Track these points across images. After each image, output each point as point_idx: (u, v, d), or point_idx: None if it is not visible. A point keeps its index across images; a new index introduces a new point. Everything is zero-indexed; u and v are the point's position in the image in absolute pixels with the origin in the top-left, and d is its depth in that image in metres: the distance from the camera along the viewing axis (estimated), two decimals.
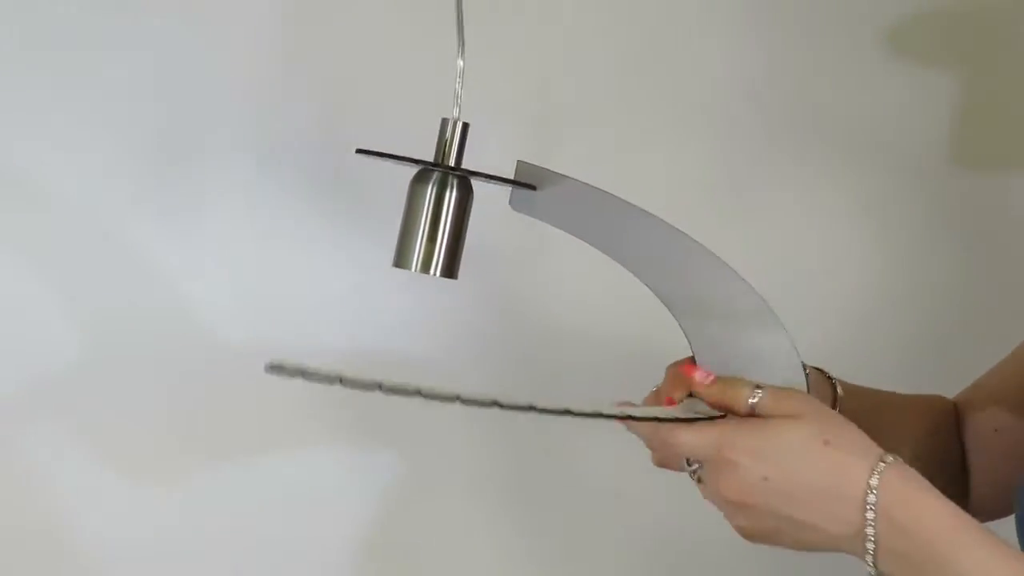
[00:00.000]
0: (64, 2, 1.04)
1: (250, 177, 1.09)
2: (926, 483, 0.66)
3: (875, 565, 0.66)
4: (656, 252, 0.77)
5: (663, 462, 0.75)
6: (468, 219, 0.79)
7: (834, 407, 0.80)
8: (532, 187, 0.78)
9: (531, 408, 0.69)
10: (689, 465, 0.72)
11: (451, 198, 0.77)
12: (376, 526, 1.17)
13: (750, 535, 0.71)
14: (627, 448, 1.11)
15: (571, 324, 1.18)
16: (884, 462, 0.66)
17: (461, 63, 0.77)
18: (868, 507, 0.65)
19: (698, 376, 0.73)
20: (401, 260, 0.78)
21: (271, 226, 1.10)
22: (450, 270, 0.78)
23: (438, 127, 0.77)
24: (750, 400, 0.70)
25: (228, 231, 1.10)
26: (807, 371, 0.76)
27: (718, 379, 0.73)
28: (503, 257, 1.12)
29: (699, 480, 0.72)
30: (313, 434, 1.15)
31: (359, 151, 0.77)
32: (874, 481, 0.65)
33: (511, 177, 0.78)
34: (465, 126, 0.77)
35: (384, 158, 0.76)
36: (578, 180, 0.77)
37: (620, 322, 1.14)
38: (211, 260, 1.09)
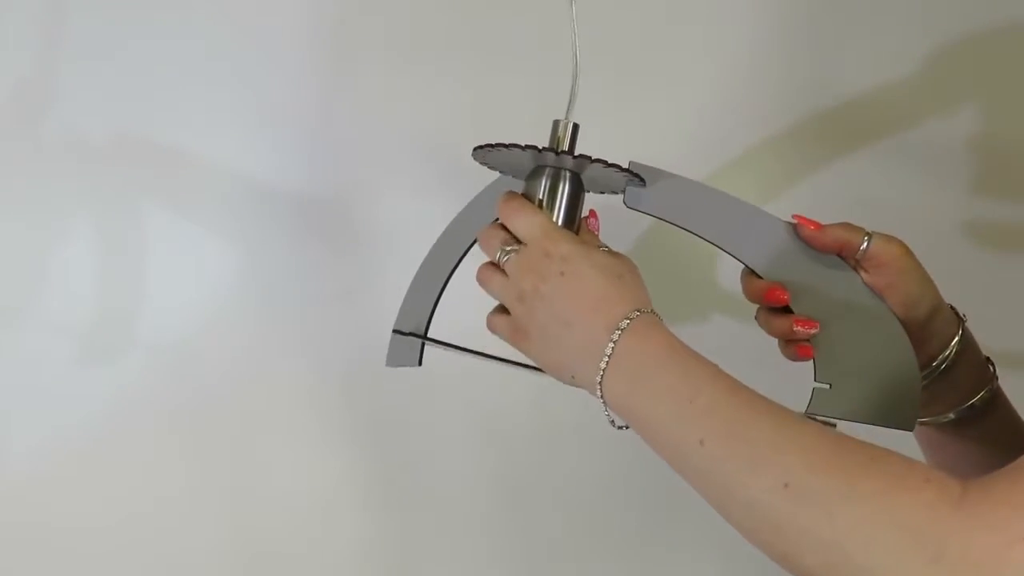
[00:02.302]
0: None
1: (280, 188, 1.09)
2: (673, 336, 0.74)
3: (602, 382, 0.73)
4: (771, 247, 0.82)
5: (483, 240, 0.82)
6: (581, 213, 0.81)
7: (980, 390, 0.86)
8: (641, 179, 0.81)
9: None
10: (504, 246, 0.79)
11: (564, 190, 0.80)
12: (374, 529, 1.17)
13: (518, 325, 0.78)
14: (624, 453, 1.11)
15: None
16: (650, 311, 0.75)
17: (576, 65, 0.80)
18: (617, 329, 0.73)
19: (806, 226, 0.82)
20: None
21: (272, 233, 1.10)
22: None
23: (549, 128, 0.80)
24: (862, 247, 0.81)
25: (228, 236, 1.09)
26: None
27: (829, 225, 0.81)
28: None
29: (503, 265, 0.79)
30: (311, 438, 1.14)
31: (477, 148, 0.79)
32: (633, 315, 0.74)
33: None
34: (575, 126, 0.80)
35: (501, 148, 0.77)
36: (685, 177, 0.83)
37: None
38: (212, 262, 1.09)
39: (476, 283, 0.80)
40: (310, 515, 1.14)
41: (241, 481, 1.12)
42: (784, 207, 1.19)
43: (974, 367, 0.86)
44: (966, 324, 0.86)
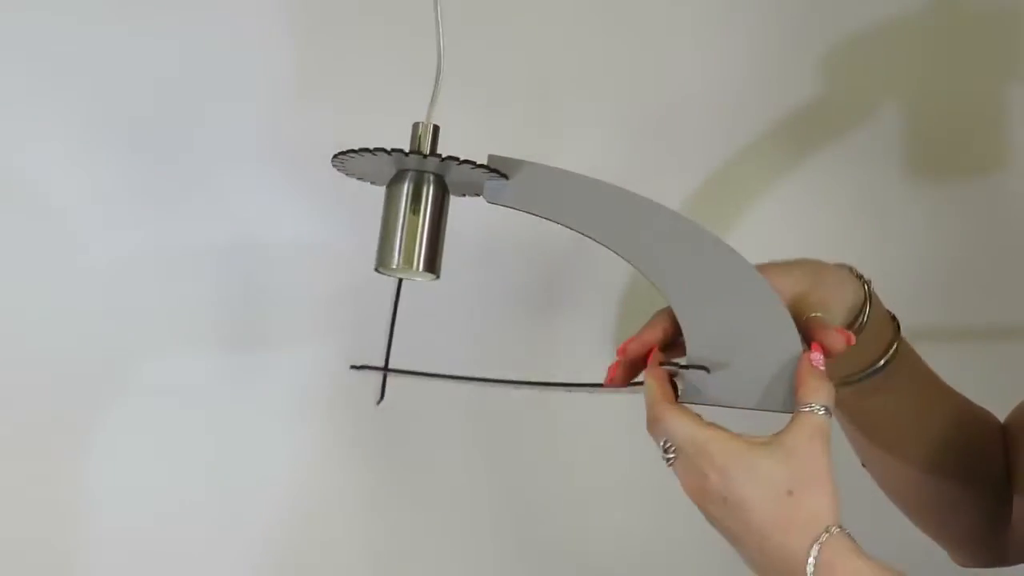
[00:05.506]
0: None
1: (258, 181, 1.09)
2: (864, 553, 0.68)
3: None
4: (641, 230, 0.77)
5: (648, 430, 0.75)
6: (446, 217, 0.79)
7: (889, 349, 0.83)
8: (504, 176, 0.79)
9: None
10: (663, 445, 0.73)
11: (428, 193, 0.78)
12: (373, 529, 1.17)
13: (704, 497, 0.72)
14: (626, 451, 1.11)
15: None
16: (838, 530, 0.68)
17: (439, 66, 0.77)
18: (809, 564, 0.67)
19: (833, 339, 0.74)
20: (383, 261, 0.79)
21: (267, 228, 1.10)
22: (432, 264, 0.78)
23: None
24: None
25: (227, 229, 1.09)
26: (867, 308, 0.80)
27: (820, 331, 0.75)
28: None
29: (668, 463, 0.73)
30: (309, 439, 1.14)
31: (336, 156, 0.77)
32: (813, 551, 0.67)
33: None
34: (436, 128, 0.78)
35: (357, 154, 0.76)
36: (552, 167, 0.78)
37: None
38: (211, 261, 1.09)
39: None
40: (313, 516, 1.14)
41: (242, 480, 1.12)
42: (784, 202, 1.21)
43: (881, 324, 0.83)
44: (870, 285, 0.82)
